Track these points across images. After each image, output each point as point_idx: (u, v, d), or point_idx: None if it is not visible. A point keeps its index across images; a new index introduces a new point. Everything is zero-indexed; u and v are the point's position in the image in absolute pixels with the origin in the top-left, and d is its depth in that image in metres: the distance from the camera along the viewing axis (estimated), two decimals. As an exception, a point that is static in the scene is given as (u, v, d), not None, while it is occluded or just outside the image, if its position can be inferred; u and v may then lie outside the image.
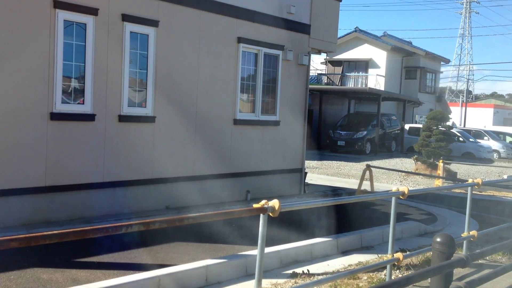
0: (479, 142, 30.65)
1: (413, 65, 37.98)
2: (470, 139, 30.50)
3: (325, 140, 29.16)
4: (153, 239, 7.12)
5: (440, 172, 17.04)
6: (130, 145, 8.86)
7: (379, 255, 7.33)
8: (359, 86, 34.75)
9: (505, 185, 14.97)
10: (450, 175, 18.38)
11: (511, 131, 37.65)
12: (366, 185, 13.26)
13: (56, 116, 7.82)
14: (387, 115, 31.13)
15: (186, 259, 6.46)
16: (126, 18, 8.61)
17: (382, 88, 33.79)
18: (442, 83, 58.15)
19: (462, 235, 7.56)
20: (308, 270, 6.52)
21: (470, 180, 7.78)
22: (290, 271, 6.48)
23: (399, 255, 6.06)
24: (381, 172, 18.94)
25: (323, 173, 18.71)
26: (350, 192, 13.53)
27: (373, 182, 13.60)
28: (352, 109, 33.03)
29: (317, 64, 37.98)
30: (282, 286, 5.99)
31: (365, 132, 28.10)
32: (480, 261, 7.05)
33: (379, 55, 35.34)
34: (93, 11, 8.15)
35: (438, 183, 16.56)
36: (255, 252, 4.75)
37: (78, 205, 8.19)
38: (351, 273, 6.05)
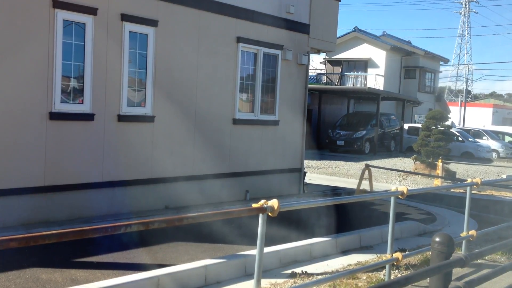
0: (478, 142, 30.67)
1: (412, 64, 37.99)
2: (469, 139, 30.52)
3: (324, 140, 29.17)
4: (152, 239, 7.12)
5: (439, 171, 17.05)
6: (129, 145, 8.86)
7: (378, 255, 7.33)
8: (358, 85, 34.76)
9: (504, 184, 14.98)
10: (449, 175, 18.39)
11: (510, 130, 37.67)
12: (365, 185, 13.27)
13: (55, 116, 7.82)
14: (386, 114, 31.14)
15: (185, 259, 6.46)
16: (125, 17, 8.60)
17: (381, 88, 33.79)
18: (441, 83, 58.16)
19: (461, 234, 7.56)
20: (307, 270, 6.52)
21: (469, 180, 7.78)
22: (289, 271, 6.48)
23: (398, 255, 6.07)
24: (380, 171, 18.95)
25: (322, 173, 18.72)
26: (349, 191, 13.53)
27: (372, 181, 13.61)
28: (351, 109, 33.04)
29: (317, 63, 37.99)
30: (281, 286, 5.99)
31: (364, 132, 28.11)
32: (479, 261, 7.06)
33: (378, 55, 35.35)
34: (92, 11, 8.14)
35: (437, 182, 16.57)
36: (254, 252, 4.75)
37: (77, 205, 8.18)
38: (350, 273, 6.06)
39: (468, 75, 63.15)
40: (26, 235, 3.01)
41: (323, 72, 37.47)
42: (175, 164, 9.54)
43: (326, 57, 35.74)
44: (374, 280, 6.36)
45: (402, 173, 18.61)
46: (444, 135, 20.82)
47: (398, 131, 31.37)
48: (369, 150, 28.25)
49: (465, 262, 4.35)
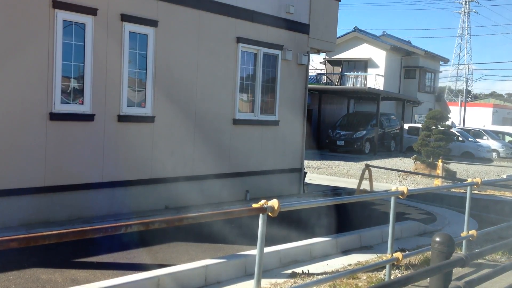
0: (478, 142, 30.67)
1: (412, 64, 37.99)
2: (469, 139, 30.51)
3: (324, 140, 29.17)
4: (153, 239, 7.12)
5: (439, 171, 17.05)
6: (129, 145, 8.86)
7: (379, 255, 7.33)
8: (358, 85, 34.76)
9: (504, 184, 14.98)
10: (449, 175, 18.39)
11: (510, 130, 37.67)
12: (365, 185, 13.27)
13: (55, 116, 7.82)
14: (386, 114, 31.14)
15: (186, 259, 6.46)
16: (125, 18, 8.60)
17: (381, 88, 33.80)
18: (441, 83, 58.17)
19: (461, 234, 7.56)
20: (307, 270, 6.52)
21: (469, 180, 7.78)
22: (290, 271, 6.48)
23: (398, 254, 6.07)
24: (381, 171, 18.95)
25: (322, 173, 18.72)
26: (349, 191, 13.53)
27: (373, 181, 13.61)
28: (351, 109, 33.05)
29: (316, 63, 37.99)
30: (281, 285, 5.99)
31: (364, 132, 28.11)
32: (479, 261, 7.06)
33: (378, 55, 35.35)
34: (92, 11, 8.14)
35: (437, 182, 16.57)
36: (254, 252, 4.75)
37: (78, 205, 8.19)
38: (351, 273, 6.06)
39: (468, 75, 63.18)
40: (26, 235, 3.01)
41: (323, 72, 37.47)
42: (175, 164, 9.55)
43: (326, 57, 35.75)
44: (375, 280, 6.36)
45: (402, 173, 18.60)
46: (444, 135, 20.82)
47: (398, 131, 31.37)
48: (369, 150, 28.25)
49: (465, 262, 4.35)
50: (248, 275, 6.12)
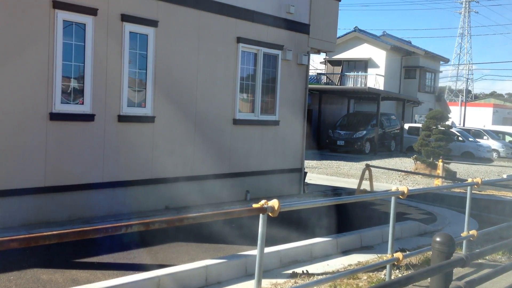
0: (479, 142, 30.67)
1: (413, 64, 37.99)
2: (470, 139, 30.51)
3: (324, 140, 29.18)
4: (153, 239, 7.12)
5: (439, 171, 17.04)
6: (129, 145, 8.86)
7: (379, 255, 7.33)
8: (359, 85, 34.76)
9: (505, 184, 14.98)
10: (450, 175, 18.39)
11: (510, 130, 37.66)
12: (365, 185, 13.26)
13: (55, 116, 7.82)
14: (386, 114, 31.14)
15: (186, 259, 6.46)
16: (125, 18, 8.60)
17: (382, 88, 33.80)
18: (442, 83, 58.15)
19: (461, 234, 7.56)
20: (308, 270, 6.52)
21: (469, 180, 7.78)
22: (290, 271, 6.48)
23: (398, 254, 6.07)
24: (381, 171, 18.95)
25: (322, 173, 18.72)
26: (349, 191, 13.53)
27: (373, 181, 13.61)
28: (352, 109, 33.05)
29: (317, 63, 38.00)
30: (282, 286, 5.99)
31: (365, 132, 28.12)
32: (479, 261, 7.06)
33: (378, 55, 35.35)
34: (92, 11, 8.14)
35: (437, 182, 16.57)
36: (255, 252, 4.75)
37: (78, 206, 8.19)
38: (351, 273, 6.06)
39: (468, 74, 63.16)
40: (27, 235, 3.01)
41: (323, 72, 37.47)
42: (175, 164, 9.55)
43: (326, 57, 35.75)
44: (375, 280, 6.36)
45: (403, 173, 18.60)
46: (445, 135, 20.81)
47: (398, 131, 31.37)
48: (369, 150, 28.25)
49: (465, 262, 4.35)
50: (248, 275, 6.12)
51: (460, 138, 29.70)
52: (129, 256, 6.50)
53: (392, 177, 18.72)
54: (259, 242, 4.36)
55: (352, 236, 8.05)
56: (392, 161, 24.59)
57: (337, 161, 23.23)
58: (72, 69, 8.07)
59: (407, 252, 6.90)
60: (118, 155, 8.68)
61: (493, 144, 31.36)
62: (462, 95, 55.25)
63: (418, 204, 12.27)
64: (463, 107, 51.25)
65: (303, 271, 6.48)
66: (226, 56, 10.44)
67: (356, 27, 36.26)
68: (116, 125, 8.64)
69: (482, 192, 14.99)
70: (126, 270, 5.90)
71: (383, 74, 35.01)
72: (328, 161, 23.02)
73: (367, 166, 13.20)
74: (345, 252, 7.60)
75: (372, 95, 30.41)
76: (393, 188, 6.33)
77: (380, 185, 15.94)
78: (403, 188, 6.09)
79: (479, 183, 7.61)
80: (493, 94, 79.76)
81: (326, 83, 35.77)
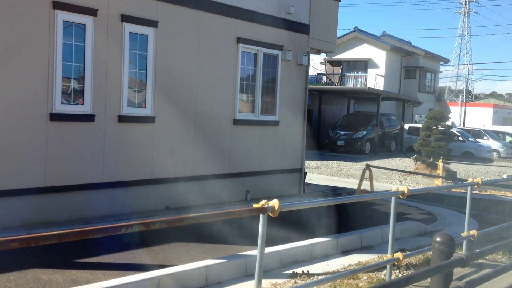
0: (479, 142, 30.66)
1: (413, 64, 37.99)
2: (470, 139, 30.51)
3: (324, 140, 29.18)
4: (153, 240, 7.12)
5: (439, 171, 17.04)
6: (129, 146, 8.86)
7: (379, 255, 7.33)
8: (359, 86, 34.76)
9: (505, 184, 14.98)
10: (450, 175, 18.38)
11: (510, 130, 37.66)
12: (365, 185, 13.26)
13: (55, 117, 7.82)
14: (386, 114, 31.14)
15: (186, 259, 6.46)
16: (125, 18, 8.60)
17: (382, 88, 33.80)
18: (442, 83, 58.13)
19: (462, 234, 7.56)
20: (308, 270, 6.52)
21: (469, 180, 7.78)
22: (290, 271, 6.48)
23: (399, 255, 6.06)
24: (381, 171, 18.95)
25: (322, 173, 18.72)
26: (349, 192, 13.53)
27: (373, 181, 13.61)
28: (352, 109, 33.05)
29: (317, 64, 37.99)
30: (282, 286, 5.99)
31: (365, 132, 28.11)
32: (480, 261, 7.05)
33: (378, 55, 35.35)
34: (92, 12, 8.15)
35: (437, 182, 16.56)
36: (255, 252, 4.75)
37: (78, 206, 8.19)
38: (351, 273, 6.06)
39: (468, 75, 63.16)
40: (27, 235, 3.01)
41: (323, 72, 37.48)
42: (175, 164, 9.55)
43: (326, 57, 35.75)
44: (375, 280, 6.36)
45: (403, 173, 18.60)
46: (445, 135, 20.82)
47: (398, 131, 31.37)
48: (369, 150, 28.25)
49: (466, 262, 4.35)
50: (248, 275, 6.12)
51: (460, 138, 29.70)
52: (129, 256, 6.50)
53: (392, 177, 18.72)
54: (259, 242, 4.36)
55: (352, 236, 8.05)
56: (392, 161, 24.59)
57: (337, 161, 23.23)
58: (72, 70, 8.07)
59: (407, 252, 6.90)
60: (118, 155, 8.69)
61: (493, 144, 31.36)
62: (462, 95, 55.26)
63: (418, 204, 12.27)
64: (463, 107, 51.25)
65: (303, 271, 6.48)
66: (226, 57, 10.44)
67: (356, 27, 36.27)
68: (116, 125, 8.64)
69: (482, 192, 14.99)
70: (126, 270, 5.90)
71: (383, 74, 35.01)
72: (328, 161, 23.02)
73: (367, 166, 13.20)
74: (345, 252, 7.60)
75: (372, 95, 30.41)
76: (393, 188, 6.33)
77: (380, 185, 15.94)
78: (403, 188, 6.09)
79: (479, 183, 7.61)
80: (493, 94, 79.78)
81: (326, 83, 35.77)
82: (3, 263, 5.76)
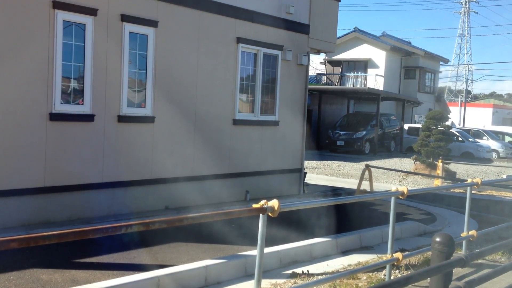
0: (478, 142, 30.67)
1: (412, 65, 37.99)
2: (469, 139, 30.52)
3: (324, 140, 29.18)
4: (153, 240, 7.12)
5: (439, 171, 17.05)
6: (129, 146, 8.86)
7: (379, 255, 7.33)
8: (358, 86, 34.76)
9: (504, 184, 14.98)
10: (449, 175, 18.39)
11: (510, 130, 37.66)
12: (365, 185, 13.27)
13: (55, 117, 7.82)
14: (386, 115, 31.15)
15: (186, 259, 6.46)
16: (125, 18, 8.60)
17: (381, 88, 33.80)
18: (441, 83, 58.12)
19: (461, 234, 7.56)
20: (307, 270, 6.53)
21: (469, 180, 7.78)
22: (290, 271, 6.48)
23: (398, 255, 6.07)
24: (380, 172, 18.95)
25: (322, 173, 18.72)
26: (349, 192, 13.53)
27: (373, 182, 13.61)
28: (351, 109, 33.05)
29: (316, 64, 37.98)
30: (281, 286, 5.99)
31: (364, 132, 28.11)
32: (479, 261, 7.06)
33: (378, 55, 35.35)
34: (92, 12, 8.15)
35: (437, 182, 16.57)
36: (254, 252, 4.75)
37: (78, 206, 8.19)
38: (351, 273, 6.06)
39: (468, 75, 63.18)
40: (26, 235, 3.01)
41: (323, 72, 37.47)
42: (175, 164, 9.55)
43: (326, 57, 35.74)
44: (375, 280, 6.36)
45: (402, 173, 18.60)
46: (444, 135, 20.82)
47: (398, 131, 31.38)
48: (369, 151, 28.26)
49: (465, 262, 4.35)
50: (248, 276, 6.12)
51: (459, 139, 29.70)
52: (128, 256, 6.50)
53: (392, 177, 18.72)
54: (259, 242, 4.36)
55: (352, 236, 8.05)
56: (391, 161, 24.59)
57: (336, 162, 23.23)
58: (72, 69, 8.07)
59: (407, 252, 6.90)
60: (118, 155, 8.68)
61: (493, 144, 31.37)
62: (462, 96, 55.28)
63: (417, 205, 12.27)
64: (462, 108, 51.28)
65: (303, 271, 6.48)
66: (226, 56, 10.44)
67: (356, 27, 36.27)
68: (116, 125, 8.64)
69: (482, 193, 14.99)
70: (126, 270, 5.90)
71: (383, 75, 35.02)
72: (328, 162, 23.02)
73: (367, 166, 13.20)
74: (345, 252, 7.60)
75: (371, 96, 30.41)
76: (393, 188, 6.34)
77: (380, 186, 15.95)
78: (403, 188, 6.09)
79: (479, 183, 7.61)
80: (492, 95, 79.80)
81: (326, 84, 35.77)
82: (3, 263, 5.76)
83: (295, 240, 7.36)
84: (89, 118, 8.26)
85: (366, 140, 28.20)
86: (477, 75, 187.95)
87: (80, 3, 8.00)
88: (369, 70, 35.44)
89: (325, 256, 7.29)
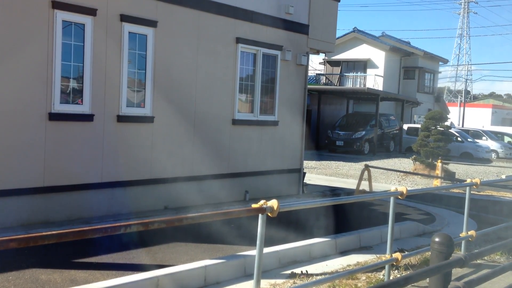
0: (478, 142, 30.67)
1: (412, 65, 38.00)
2: (469, 139, 30.52)
3: (323, 140, 29.18)
4: (152, 240, 7.12)
5: (438, 172, 17.05)
6: (128, 145, 8.86)
7: (378, 255, 7.33)
8: (358, 86, 34.75)
9: (504, 185, 14.99)
10: (449, 175, 18.40)
11: (509, 131, 37.68)
12: (364, 185, 13.27)
13: (54, 117, 7.82)
14: (385, 115, 31.15)
15: (185, 259, 6.46)
16: (124, 18, 8.60)
17: (381, 88, 33.81)
18: (441, 83, 58.17)
19: (460, 235, 7.56)
20: (306, 271, 6.52)
21: (468, 180, 7.78)
22: (289, 271, 6.48)
23: (397, 255, 6.07)
24: (380, 172, 18.96)
25: (321, 173, 18.72)
26: (348, 192, 13.53)
27: (372, 182, 13.61)
28: (351, 109, 33.04)
29: (316, 64, 37.99)
30: (280, 286, 5.99)
31: (364, 132, 28.11)
32: (478, 261, 7.06)
33: (377, 55, 35.36)
34: (91, 12, 8.14)
35: (436, 183, 16.57)
36: (253, 252, 4.74)
37: (77, 206, 8.18)
38: (350, 273, 6.06)
39: (467, 75, 63.25)
40: (25, 235, 3.01)
41: (323, 72, 37.47)
42: (174, 164, 9.55)
43: (326, 57, 35.75)
44: (374, 280, 6.36)
45: (402, 174, 18.61)
46: (444, 135, 20.83)
47: (397, 131, 31.38)
48: (368, 151, 28.25)
49: (464, 262, 4.35)
50: (247, 276, 6.12)
51: (459, 139, 29.71)
52: (128, 256, 6.50)
53: (391, 177, 18.73)
54: (258, 242, 4.36)
55: (351, 237, 8.06)
56: (391, 161, 24.60)
57: (336, 162, 23.23)
58: (71, 69, 8.07)
59: (406, 253, 6.90)
60: (117, 155, 8.68)
61: (492, 144, 31.38)
62: (461, 96, 55.28)
63: (417, 205, 12.27)
64: (462, 108, 51.28)
65: (302, 271, 6.48)
66: (225, 57, 10.44)
67: (355, 27, 36.28)
68: (115, 125, 8.63)
69: (481, 193, 15.00)
70: (125, 270, 5.90)
71: (382, 75, 35.02)
72: (327, 162, 23.02)
73: (366, 166, 13.20)
74: (344, 252, 7.60)
75: (371, 96, 30.41)
76: (392, 189, 6.33)
77: (379, 186, 15.95)
78: (402, 188, 6.09)
79: (478, 183, 7.62)
80: (492, 95, 79.85)
81: (325, 84, 35.77)
82: (2, 263, 5.76)
83: (294, 240, 7.36)
84: (88, 118, 8.26)
85: (365, 140, 28.20)
86: (476, 76, 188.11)
87: (80, 3, 7.99)
88: (369, 70, 35.44)
89: (324, 256, 7.29)
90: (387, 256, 6.07)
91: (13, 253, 5.80)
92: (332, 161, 23.31)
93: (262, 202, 4.35)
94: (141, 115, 9.02)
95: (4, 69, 7.29)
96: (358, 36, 35.82)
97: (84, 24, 8.12)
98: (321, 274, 6.45)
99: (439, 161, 17.35)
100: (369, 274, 6.53)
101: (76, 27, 8.06)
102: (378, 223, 9.12)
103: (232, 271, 6.18)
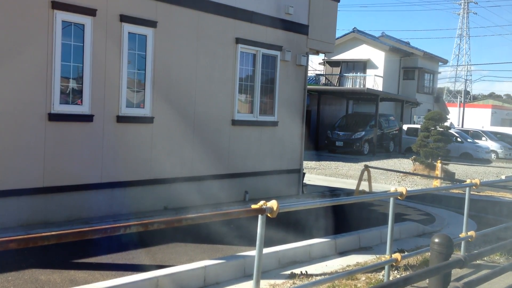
0: (477, 143, 30.68)
1: (411, 65, 38.00)
2: (468, 140, 30.53)
3: (323, 141, 29.18)
4: (152, 240, 7.12)
5: (438, 172, 17.05)
6: (128, 146, 8.86)
7: (377, 256, 7.33)
8: (357, 86, 34.75)
9: (503, 185, 15.00)
10: (448, 176, 18.40)
11: (509, 131, 37.68)
12: (364, 186, 13.27)
13: (54, 117, 7.82)
14: (385, 115, 31.15)
15: (185, 260, 6.46)
16: (124, 18, 8.60)
17: (380, 89, 33.81)
18: (440, 84, 58.18)
19: (460, 235, 7.56)
20: (306, 271, 6.52)
21: (468, 181, 7.78)
22: (289, 272, 6.48)
23: (397, 255, 6.07)
24: (379, 172, 18.96)
25: (321, 174, 18.72)
26: (348, 192, 13.53)
27: (371, 182, 13.61)
28: (350, 110, 33.04)
29: (315, 64, 37.98)
30: (280, 286, 6.00)
31: (363, 133, 28.12)
32: (478, 262, 7.06)
33: (377, 56, 35.36)
34: (91, 12, 8.14)
35: (436, 183, 16.58)
36: (253, 252, 4.74)
37: (76, 206, 8.18)
38: (349, 273, 6.06)
39: (467, 76, 63.28)
40: (25, 236, 3.01)
41: (322, 73, 37.47)
42: (174, 165, 9.54)
43: (325, 58, 35.72)
44: (373, 281, 6.36)
45: (401, 174, 18.61)
46: (443, 136, 20.83)
47: (397, 132, 31.38)
48: (368, 151, 28.26)
49: (464, 263, 4.35)
50: (247, 276, 6.12)
51: (458, 139, 29.72)
52: (127, 257, 6.50)
53: (391, 178, 18.73)
54: (257, 242, 4.36)
55: (350, 237, 8.06)
56: (390, 162, 24.60)
57: (335, 162, 23.24)
58: (71, 70, 8.07)
59: (406, 253, 6.90)
60: (117, 156, 8.68)
61: (492, 145, 31.39)
62: (461, 96, 55.30)
63: (416, 205, 12.28)
64: (461, 108, 51.30)
65: (301, 271, 6.48)
66: (225, 57, 10.44)
67: (354, 28, 36.28)
68: (115, 125, 8.63)
69: (481, 193, 15.00)
70: (125, 271, 5.90)
71: (382, 75, 35.02)
72: (327, 162, 23.03)
73: (366, 167, 13.20)
74: (344, 252, 7.60)
75: (370, 96, 30.42)
76: (392, 189, 6.33)
77: (379, 186, 15.95)
78: (402, 189, 6.09)
79: (478, 184, 7.62)
80: (491, 95, 79.88)
81: (325, 84, 35.77)
82: (2, 263, 5.76)
83: (294, 240, 7.36)
84: (88, 118, 8.26)
85: (365, 141, 28.20)
86: (476, 76, 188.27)
87: (79, 4, 7.99)
88: (368, 71, 35.45)
89: (324, 257, 7.29)
90: (386, 257, 6.07)
91: (13, 253, 5.80)
92: (331, 162, 23.31)
93: (261, 202, 4.35)
94: (140, 115, 9.02)
95: (4, 70, 7.29)
96: (358, 36, 35.83)
97: (83, 25, 8.12)
98: (320, 275, 6.45)
99: (438, 161, 17.35)
100: (369, 274, 6.53)
101: (75, 28, 8.06)
102: (377, 224, 9.12)
103: (232, 271, 6.18)
